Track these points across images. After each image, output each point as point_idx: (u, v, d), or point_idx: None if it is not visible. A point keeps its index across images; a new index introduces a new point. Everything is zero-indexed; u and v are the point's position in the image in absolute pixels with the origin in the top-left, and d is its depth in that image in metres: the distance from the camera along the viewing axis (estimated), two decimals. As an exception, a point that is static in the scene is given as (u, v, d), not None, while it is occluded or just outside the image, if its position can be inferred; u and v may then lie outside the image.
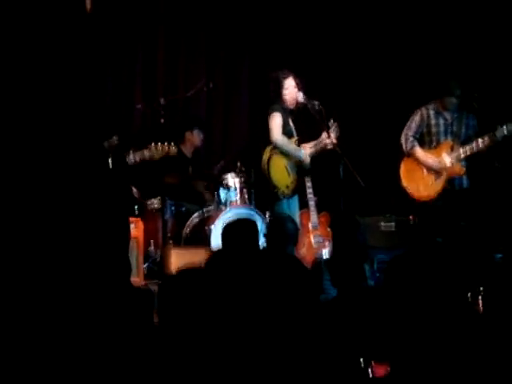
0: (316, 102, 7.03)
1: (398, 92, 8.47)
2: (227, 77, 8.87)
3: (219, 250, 5.26)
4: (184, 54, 8.73)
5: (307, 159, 7.12)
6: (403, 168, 7.43)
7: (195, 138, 8.25)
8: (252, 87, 8.83)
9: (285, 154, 7.08)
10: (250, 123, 8.66)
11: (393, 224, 7.56)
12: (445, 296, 4.12)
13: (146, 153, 7.23)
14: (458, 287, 4.39)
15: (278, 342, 4.00)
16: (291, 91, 7.06)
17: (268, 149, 7.06)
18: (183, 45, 8.71)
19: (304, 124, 7.39)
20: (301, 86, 7.10)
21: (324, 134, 7.05)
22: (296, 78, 7.10)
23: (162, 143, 7.28)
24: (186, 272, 3.39)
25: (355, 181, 6.81)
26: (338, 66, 8.76)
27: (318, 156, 7.20)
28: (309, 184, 7.17)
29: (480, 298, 4.53)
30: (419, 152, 7.36)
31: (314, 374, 3.62)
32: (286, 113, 7.12)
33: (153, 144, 7.26)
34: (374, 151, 8.29)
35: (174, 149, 7.32)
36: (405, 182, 7.39)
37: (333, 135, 7.00)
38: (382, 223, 7.56)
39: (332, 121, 7.05)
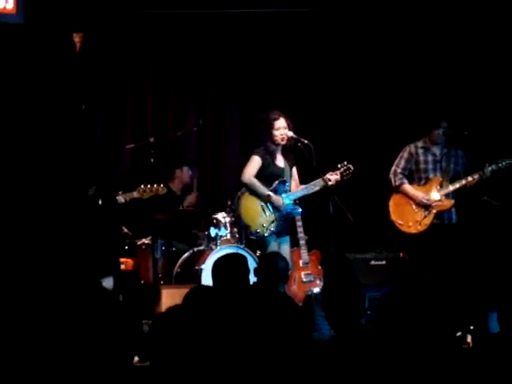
0: (305, 141, 7.07)
1: (387, 129, 8.52)
2: (216, 115, 8.91)
3: (201, 286, 5.25)
4: (173, 94, 8.78)
5: (276, 200, 7.08)
6: (392, 203, 7.46)
7: (184, 174, 8.32)
8: (242, 125, 8.87)
9: (256, 193, 7.09)
10: (239, 161, 8.67)
11: (383, 260, 7.57)
12: (434, 333, 4.12)
13: (135, 194, 7.28)
14: (447, 325, 4.38)
15: (268, 380, 3.98)
16: (282, 132, 7.09)
17: (242, 189, 7.11)
18: (172, 84, 8.76)
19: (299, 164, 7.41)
20: (291, 126, 7.14)
21: (329, 175, 7.06)
22: (286, 118, 7.14)
23: (151, 184, 7.33)
24: (175, 310, 3.38)
25: (345, 217, 6.83)
26: (326, 105, 8.81)
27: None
28: (299, 223, 7.18)
29: (469, 335, 4.54)
30: (408, 188, 7.41)
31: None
32: (272, 156, 7.13)
33: (142, 186, 7.30)
34: (362, 187, 8.31)
35: (162, 189, 7.37)
36: (393, 217, 7.42)
37: (334, 177, 7.04)
38: (373, 260, 7.56)
39: (345, 162, 7.12)
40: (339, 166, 7.16)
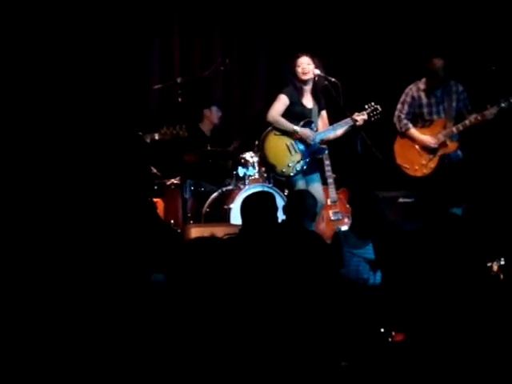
0: (332, 79, 7.04)
1: (413, 66, 8.44)
2: (243, 54, 8.89)
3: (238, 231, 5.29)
4: (199, 34, 8.75)
5: (304, 132, 7.07)
6: (397, 146, 7.46)
7: (213, 115, 8.34)
8: (268, 64, 8.84)
9: (284, 132, 7.09)
10: (266, 101, 8.66)
11: (412, 198, 7.56)
12: (464, 265, 4.15)
13: (157, 136, 7.31)
14: (476, 256, 4.41)
15: (299, 315, 4.04)
16: (304, 67, 7.07)
17: (268, 129, 7.11)
18: (198, 24, 8.72)
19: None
20: (318, 64, 7.11)
21: (356, 115, 7.05)
22: (312, 56, 7.10)
23: (173, 126, 7.34)
24: (205, 239, 3.40)
25: (373, 155, 6.82)
26: (353, 43, 8.76)
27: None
28: (327, 161, 7.19)
29: (499, 266, 4.56)
30: (414, 132, 7.40)
31: (336, 342, 3.66)
32: (299, 94, 7.11)
33: (164, 128, 7.32)
34: (390, 125, 8.28)
35: (183, 131, 7.37)
36: (399, 160, 7.43)
37: (361, 117, 7.03)
38: (401, 197, 7.56)
39: (372, 103, 7.10)
40: (366, 106, 7.14)
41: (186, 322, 3.22)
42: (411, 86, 7.45)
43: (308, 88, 7.16)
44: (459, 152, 7.41)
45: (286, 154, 7.09)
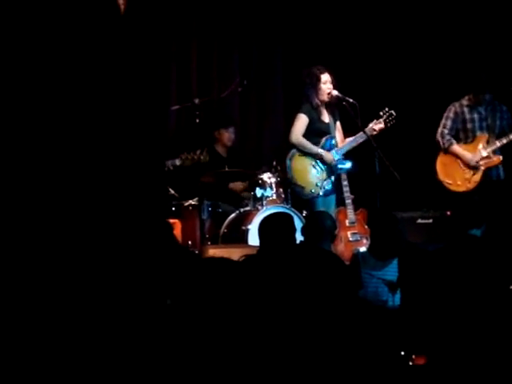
0: (350, 99, 7.04)
1: (432, 85, 8.44)
2: (261, 76, 8.90)
3: (256, 252, 5.27)
4: (217, 55, 8.78)
5: (328, 157, 7.07)
6: (439, 162, 7.46)
7: (225, 136, 8.28)
8: (286, 85, 8.85)
9: (307, 153, 7.08)
10: (284, 121, 8.67)
11: (430, 219, 7.52)
12: (485, 289, 4.09)
13: (177, 162, 7.33)
14: (498, 281, 4.36)
15: (317, 337, 4.00)
16: (328, 86, 7.09)
17: (292, 150, 7.09)
18: (216, 45, 8.76)
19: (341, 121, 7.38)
20: (335, 83, 7.11)
21: (372, 124, 7.06)
22: (331, 74, 7.12)
23: (194, 151, 7.35)
24: (223, 260, 3.37)
25: (391, 175, 6.80)
26: (371, 63, 8.75)
27: (354, 151, 7.18)
28: (345, 182, 7.17)
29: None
30: (457, 149, 7.41)
31: (356, 364, 3.61)
32: (317, 111, 7.11)
33: (185, 153, 7.34)
34: (408, 144, 8.26)
35: (205, 157, 7.39)
36: (441, 176, 7.42)
37: (378, 126, 7.02)
38: (419, 218, 7.52)
39: (387, 109, 7.09)
40: (381, 113, 7.14)
41: (200, 345, 3.20)
42: (454, 103, 7.48)
43: (324, 103, 7.16)
44: (501, 171, 7.42)
45: (313, 174, 7.09)
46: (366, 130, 7.05)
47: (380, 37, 8.73)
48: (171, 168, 7.42)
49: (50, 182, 6.71)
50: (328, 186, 7.08)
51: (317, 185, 7.07)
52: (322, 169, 7.10)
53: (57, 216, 6.40)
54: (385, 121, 7.11)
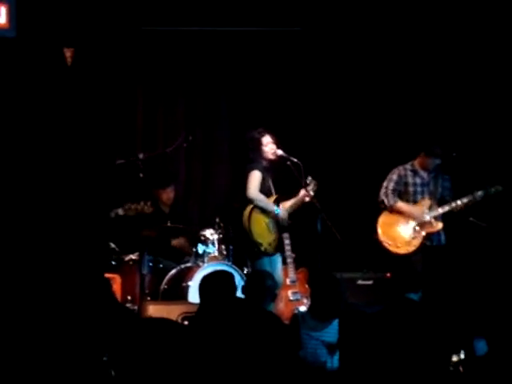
0: (294, 159, 7.09)
1: (374, 148, 8.57)
2: (206, 131, 8.92)
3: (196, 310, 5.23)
4: (163, 110, 8.80)
5: (284, 215, 7.12)
6: (381, 222, 7.51)
7: (163, 196, 8.23)
8: (231, 142, 8.87)
9: (263, 210, 7.09)
10: (228, 179, 8.71)
11: (370, 280, 7.57)
12: (422, 353, 4.12)
13: (120, 211, 7.30)
14: (437, 346, 4.39)
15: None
16: (271, 147, 7.12)
17: (249, 206, 7.09)
18: (162, 100, 8.78)
19: (283, 181, 7.41)
20: (277, 142, 7.16)
21: (302, 191, 7.10)
22: (272, 135, 7.17)
23: (138, 201, 7.34)
24: (161, 320, 3.36)
25: (333, 235, 6.84)
26: (314, 123, 8.85)
27: (297, 211, 7.22)
28: (287, 241, 7.17)
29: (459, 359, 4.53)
30: (403, 206, 7.48)
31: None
32: (265, 171, 7.15)
33: (128, 203, 7.33)
34: (350, 206, 8.34)
35: (148, 207, 7.38)
36: (382, 237, 7.47)
37: (310, 188, 7.07)
38: (360, 279, 7.57)
39: (310, 177, 7.13)
40: (308, 181, 7.16)
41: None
42: (398, 166, 7.58)
43: (269, 164, 7.21)
44: (443, 236, 7.50)
45: (268, 233, 7.08)
46: (308, 193, 7.08)
47: (321, 93, 8.83)
48: (113, 216, 7.37)
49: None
50: (275, 245, 7.07)
51: (269, 244, 7.05)
52: (272, 229, 7.10)
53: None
54: (308, 189, 7.13)
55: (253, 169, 7.10)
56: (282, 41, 8.67)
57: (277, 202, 7.13)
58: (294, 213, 7.20)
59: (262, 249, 7.02)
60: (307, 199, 7.11)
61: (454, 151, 7.51)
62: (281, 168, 7.18)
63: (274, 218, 7.08)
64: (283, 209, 7.11)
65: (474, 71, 8.29)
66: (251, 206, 7.06)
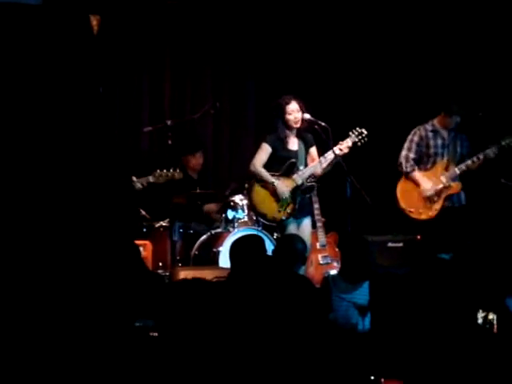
0: (322, 123, 7.05)
1: (400, 109, 8.52)
2: (234, 98, 8.93)
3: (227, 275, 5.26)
4: (191, 76, 8.81)
5: (281, 189, 7.05)
6: (399, 190, 7.49)
7: (191, 163, 8.25)
8: (258, 108, 8.87)
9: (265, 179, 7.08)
10: (256, 144, 8.70)
11: (400, 243, 7.56)
12: (454, 312, 4.12)
13: (151, 178, 7.37)
14: (467, 306, 4.38)
15: (287, 360, 4.00)
16: (295, 116, 7.07)
17: (251, 180, 7.10)
18: (190, 67, 8.78)
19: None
20: (305, 108, 7.11)
21: (330, 153, 7.06)
22: (300, 101, 7.11)
23: (167, 169, 7.40)
24: (195, 281, 3.38)
25: (362, 199, 6.83)
26: (340, 86, 8.81)
27: (325, 175, 7.20)
28: (316, 205, 7.17)
29: (494, 318, 4.52)
30: (417, 176, 7.45)
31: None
32: (283, 141, 7.10)
33: (158, 170, 7.38)
34: (379, 168, 8.31)
35: (179, 174, 7.43)
36: (403, 204, 7.45)
37: (345, 145, 7.02)
38: (390, 242, 7.55)
39: (357, 128, 7.11)
40: (350, 133, 7.13)
41: (173, 366, 3.19)
42: (418, 127, 7.52)
43: (294, 131, 7.16)
44: (463, 196, 7.48)
45: (274, 200, 7.06)
46: (334, 149, 7.03)
47: (350, 58, 8.79)
48: (145, 185, 7.43)
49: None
50: (290, 210, 7.03)
51: (278, 211, 7.03)
52: (285, 195, 7.07)
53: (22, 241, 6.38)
54: (354, 140, 7.10)
55: (263, 141, 7.10)
56: (309, 6, 8.62)
57: (292, 166, 7.09)
58: (323, 176, 7.18)
59: (268, 218, 7.03)
60: (345, 151, 7.03)
61: (479, 111, 7.42)
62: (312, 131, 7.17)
63: (280, 184, 7.04)
64: (280, 182, 7.04)
65: (492, 25, 8.18)
66: (252, 179, 7.08)
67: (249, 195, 7.17)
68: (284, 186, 7.01)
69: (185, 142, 8.34)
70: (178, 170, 7.48)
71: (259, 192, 7.09)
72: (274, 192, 7.05)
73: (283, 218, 7.03)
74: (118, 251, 5.19)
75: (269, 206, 7.05)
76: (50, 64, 7.67)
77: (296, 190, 7.07)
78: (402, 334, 4.60)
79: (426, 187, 7.40)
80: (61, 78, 7.69)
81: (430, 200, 7.39)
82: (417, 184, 7.44)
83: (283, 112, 7.06)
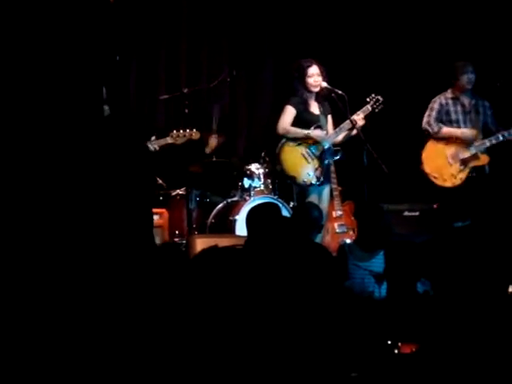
0: (339, 91, 7.04)
1: (418, 78, 8.47)
2: (250, 66, 8.90)
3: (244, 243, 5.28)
4: (207, 44, 8.78)
5: (315, 132, 7.05)
6: (425, 155, 7.42)
7: (212, 142, 8.22)
8: (275, 76, 8.85)
9: (297, 140, 7.08)
10: (273, 113, 8.67)
11: (417, 212, 7.55)
12: (471, 280, 4.12)
13: (169, 139, 7.30)
14: (483, 272, 4.39)
15: (304, 327, 4.02)
16: (315, 79, 7.08)
17: (280, 142, 7.10)
18: (206, 35, 8.75)
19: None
20: (325, 74, 7.11)
21: (347, 122, 7.05)
22: (320, 66, 7.12)
23: (184, 129, 7.34)
24: (215, 249, 3.38)
25: (379, 168, 6.82)
26: (357, 55, 8.77)
27: (342, 144, 7.20)
28: (333, 175, 7.18)
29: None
30: (450, 129, 7.38)
31: (343, 353, 3.64)
32: (305, 103, 7.11)
33: (174, 131, 7.33)
34: (396, 137, 8.28)
35: (196, 133, 7.37)
36: (427, 169, 7.38)
37: (361, 115, 7.01)
38: (406, 211, 7.55)
39: (373, 95, 7.09)
40: (368, 99, 7.11)
41: (190, 331, 3.21)
42: (439, 95, 7.47)
43: (313, 95, 7.17)
44: (487, 167, 7.42)
45: (304, 163, 7.08)
46: (352, 117, 7.02)
47: (369, 29, 8.74)
48: (163, 144, 7.34)
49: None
50: (319, 174, 7.06)
51: (308, 174, 7.06)
52: (313, 157, 7.09)
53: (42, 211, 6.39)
54: (372, 106, 7.09)
55: (287, 104, 7.11)
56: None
57: (316, 129, 7.09)
58: (340, 145, 7.18)
59: (298, 181, 7.04)
60: (360, 123, 7.02)
61: (498, 81, 7.36)
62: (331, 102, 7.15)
63: (311, 144, 7.05)
64: (312, 130, 7.05)
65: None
66: (283, 141, 7.08)
67: (278, 159, 7.14)
68: (319, 131, 7.04)
69: (200, 120, 8.35)
70: (194, 130, 7.40)
71: (289, 155, 7.09)
72: (303, 154, 7.06)
73: (313, 182, 7.05)
74: (132, 221, 5.20)
75: (299, 170, 7.07)
76: (65, 31, 7.65)
77: (323, 154, 7.09)
78: (418, 302, 4.62)
79: (466, 134, 7.30)
80: (76, 46, 7.67)
81: (459, 163, 7.32)
82: (453, 136, 7.35)
83: (304, 74, 7.06)
